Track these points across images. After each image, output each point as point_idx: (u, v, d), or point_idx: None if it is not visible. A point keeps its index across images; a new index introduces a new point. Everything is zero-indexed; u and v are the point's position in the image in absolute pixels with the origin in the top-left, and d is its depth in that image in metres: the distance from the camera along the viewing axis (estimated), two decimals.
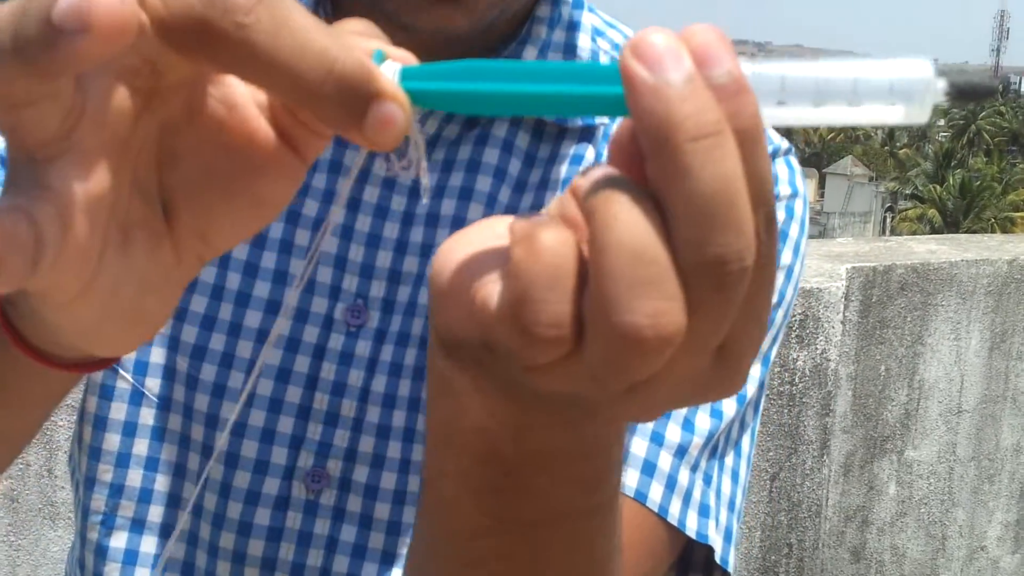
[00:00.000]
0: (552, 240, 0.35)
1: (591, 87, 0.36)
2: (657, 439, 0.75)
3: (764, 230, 0.35)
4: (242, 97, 0.39)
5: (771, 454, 2.45)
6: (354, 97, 0.34)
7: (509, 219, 0.38)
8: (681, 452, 0.76)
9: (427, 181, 0.41)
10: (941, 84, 0.35)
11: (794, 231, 0.83)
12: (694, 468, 0.77)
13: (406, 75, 0.38)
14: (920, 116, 0.35)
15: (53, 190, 0.33)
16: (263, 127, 0.39)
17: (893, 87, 0.35)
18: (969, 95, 0.36)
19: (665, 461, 0.75)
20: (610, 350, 0.34)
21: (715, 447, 0.78)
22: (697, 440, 0.76)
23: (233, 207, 0.40)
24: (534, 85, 0.36)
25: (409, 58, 0.39)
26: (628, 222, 0.33)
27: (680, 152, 0.33)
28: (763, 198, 0.35)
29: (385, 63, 0.38)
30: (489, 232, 0.40)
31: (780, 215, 0.82)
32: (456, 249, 0.39)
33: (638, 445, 0.74)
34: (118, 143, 0.36)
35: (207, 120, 0.39)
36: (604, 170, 0.35)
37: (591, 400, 0.38)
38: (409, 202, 0.79)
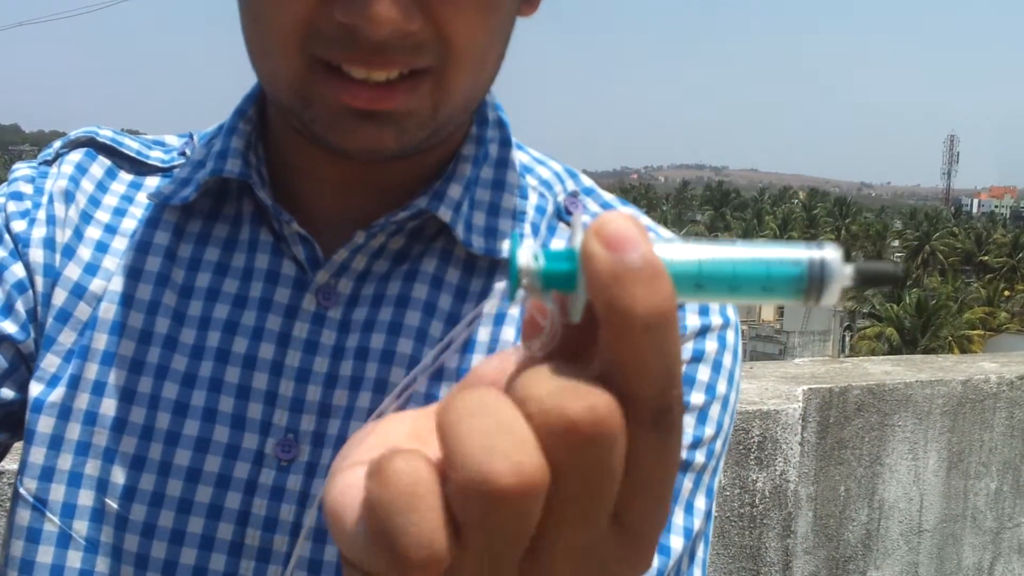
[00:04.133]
0: (402, 465, 0.35)
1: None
2: None
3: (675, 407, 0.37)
4: None
5: None
6: None
7: (413, 415, 0.39)
8: None
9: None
10: (848, 271, 0.37)
11: (727, 361, 0.84)
12: None
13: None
14: (829, 300, 0.37)
15: None
16: None
17: (803, 276, 0.37)
18: (874, 282, 0.38)
19: None
20: (479, 512, 0.34)
21: None
22: None
23: None
24: None
25: None
26: (470, 400, 0.35)
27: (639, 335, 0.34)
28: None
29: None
30: (383, 439, 0.40)
31: (713, 345, 0.83)
32: (341, 466, 0.39)
33: None
34: None
35: None
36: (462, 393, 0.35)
37: None
38: (339, 336, 0.80)
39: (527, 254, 0.36)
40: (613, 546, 0.38)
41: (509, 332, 0.81)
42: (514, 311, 0.82)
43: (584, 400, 0.34)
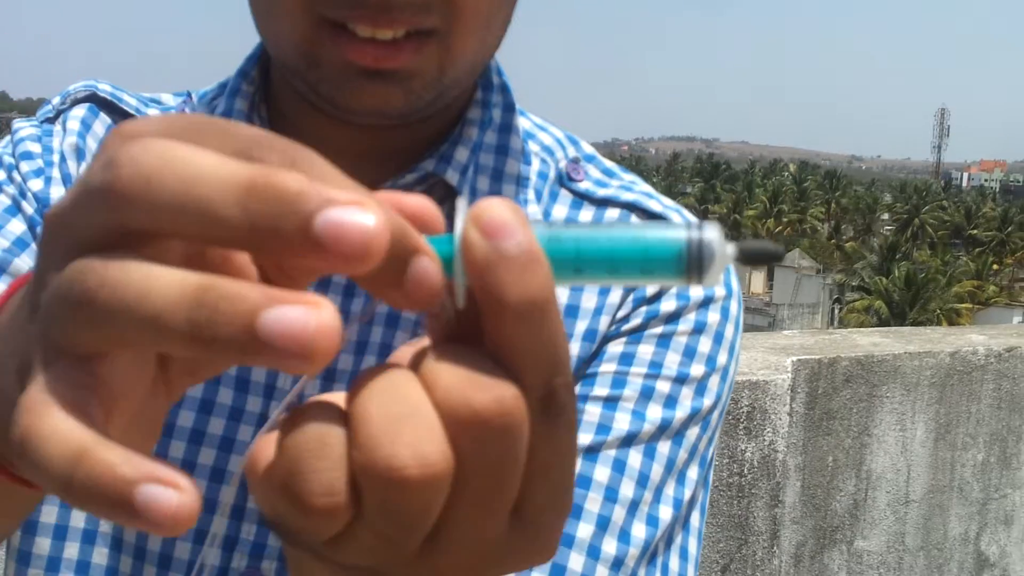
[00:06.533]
0: (316, 411, 0.35)
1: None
2: (593, 553, 0.74)
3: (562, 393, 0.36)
4: None
5: (721, 545, 2.46)
6: (397, 259, 0.34)
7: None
8: (617, 564, 0.75)
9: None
10: (730, 249, 0.36)
11: (729, 332, 0.84)
12: None
13: None
14: (711, 280, 0.36)
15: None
16: (253, 274, 0.39)
17: (682, 256, 0.35)
18: (755, 260, 0.37)
19: (602, 575, 0.74)
20: (381, 495, 0.34)
21: (653, 554, 0.78)
22: (633, 551, 0.76)
23: None
24: None
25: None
26: (382, 379, 0.35)
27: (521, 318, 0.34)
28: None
29: None
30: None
31: (715, 317, 0.82)
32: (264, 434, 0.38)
33: (575, 560, 0.74)
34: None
35: None
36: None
37: (391, 570, 0.37)
38: (343, 301, 0.79)
39: None
40: (511, 537, 0.38)
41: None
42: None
43: (490, 391, 0.34)
